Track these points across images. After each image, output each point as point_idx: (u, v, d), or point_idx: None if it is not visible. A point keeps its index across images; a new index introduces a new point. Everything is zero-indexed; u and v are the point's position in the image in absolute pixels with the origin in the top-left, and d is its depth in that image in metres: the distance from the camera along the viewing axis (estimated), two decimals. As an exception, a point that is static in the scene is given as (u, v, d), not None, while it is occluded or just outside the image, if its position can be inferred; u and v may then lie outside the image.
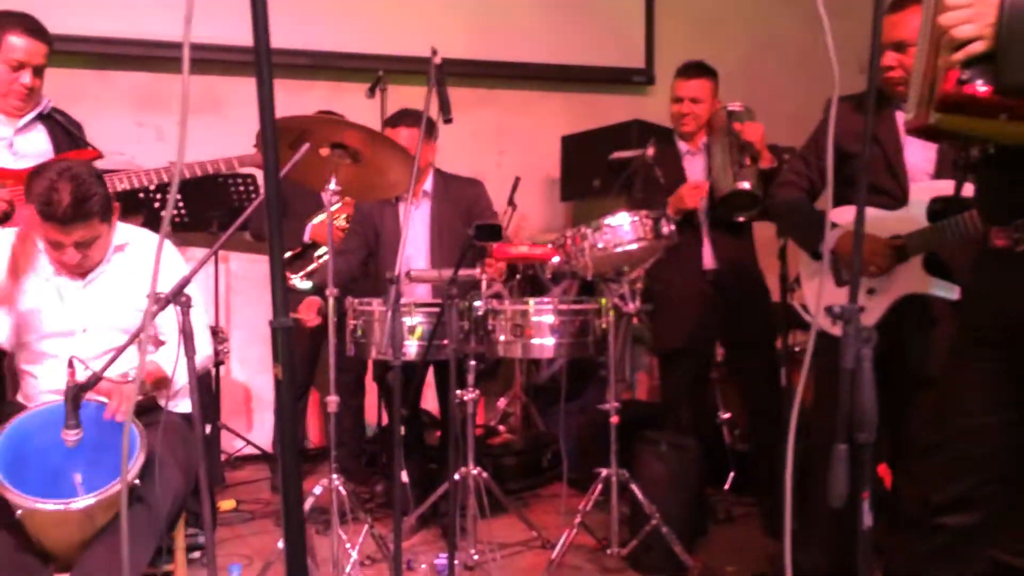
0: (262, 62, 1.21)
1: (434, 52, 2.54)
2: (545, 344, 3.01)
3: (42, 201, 2.26)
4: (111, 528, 2.21)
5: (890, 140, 2.48)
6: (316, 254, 3.85)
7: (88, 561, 2.18)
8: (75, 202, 2.26)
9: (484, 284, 2.88)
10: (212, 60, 4.31)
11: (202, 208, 4.19)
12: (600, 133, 4.60)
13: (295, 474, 1.16)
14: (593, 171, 4.54)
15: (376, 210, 3.54)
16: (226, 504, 3.68)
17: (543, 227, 5.07)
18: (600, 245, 2.86)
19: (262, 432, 4.53)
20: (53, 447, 2.17)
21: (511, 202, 4.41)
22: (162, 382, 2.35)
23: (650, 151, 3.31)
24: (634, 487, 2.95)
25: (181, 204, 4.20)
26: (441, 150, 3.62)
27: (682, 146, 3.48)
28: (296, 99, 4.40)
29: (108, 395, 2.23)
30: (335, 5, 4.67)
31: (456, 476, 2.88)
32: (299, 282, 3.90)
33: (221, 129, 4.13)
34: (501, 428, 4.42)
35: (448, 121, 2.61)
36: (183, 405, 2.50)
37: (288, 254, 3.95)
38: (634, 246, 2.87)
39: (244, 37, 1.23)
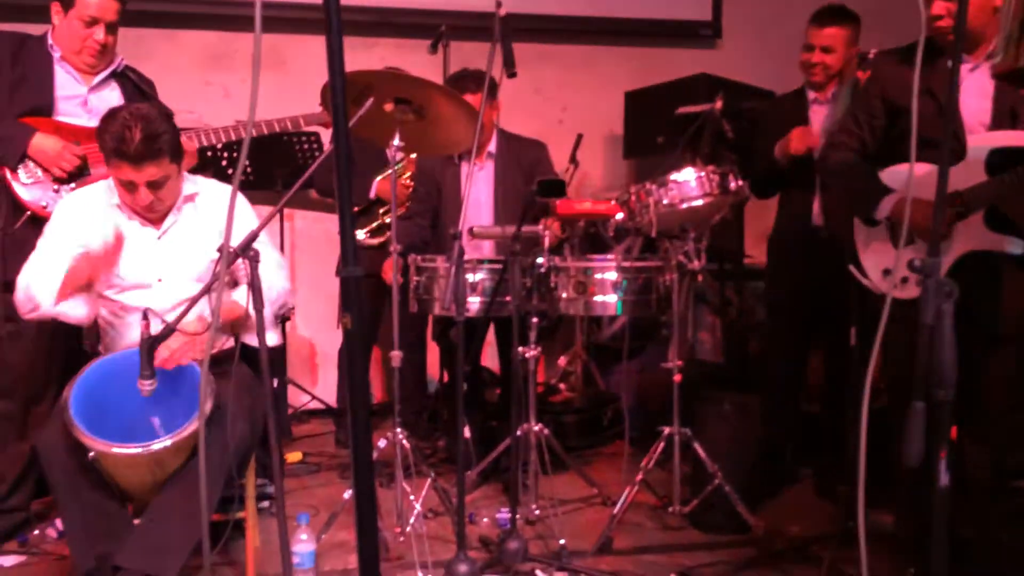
0: (332, 18, 1.20)
1: (499, 5, 2.50)
2: (607, 301, 2.98)
3: (115, 140, 2.34)
4: (182, 472, 2.28)
5: (944, 91, 2.37)
6: (381, 211, 3.87)
7: (161, 503, 2.27)
8: (145, 139, 2.33)
9: (546, 240, 2.86)
10: (277, 18, 4.33)
11: (267, 166, 4.24)
12: (665, 88, 4.50)
13: (365, 419, 1.17)
14: (657, 127, 4.45)
15: (438, 168, 3.55)
16: (293, 456, 3.77)
17: (605, 184, 5.01)
18: (665, 201, 2.82)
19: (326, 387, 4.61)
20: (129, 391, 2.25)
21: (573, 159, 4.36)
22: (239, 321, 2.40)
23: (718, 105, 3.23)
24: (696, 446, 2.93)
25: (247, 162, 4.26)
26: (503, 107, 3.59)
27: (810, 94, 3.36)
28: (360, 56, 4.40)
29: (175, 344, 2.30)
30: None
31: (518, 432, 2.89)
32: (365, 238, 3.94)
33: (285, 87, 4.16)
34: (562, 386, 4.43)
35: (512, 75, 2.58)
36: (255, 340, 2.55)
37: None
38: (700, 202, 2.81)
39: None
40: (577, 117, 4.92)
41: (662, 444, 2.95)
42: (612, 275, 2.96)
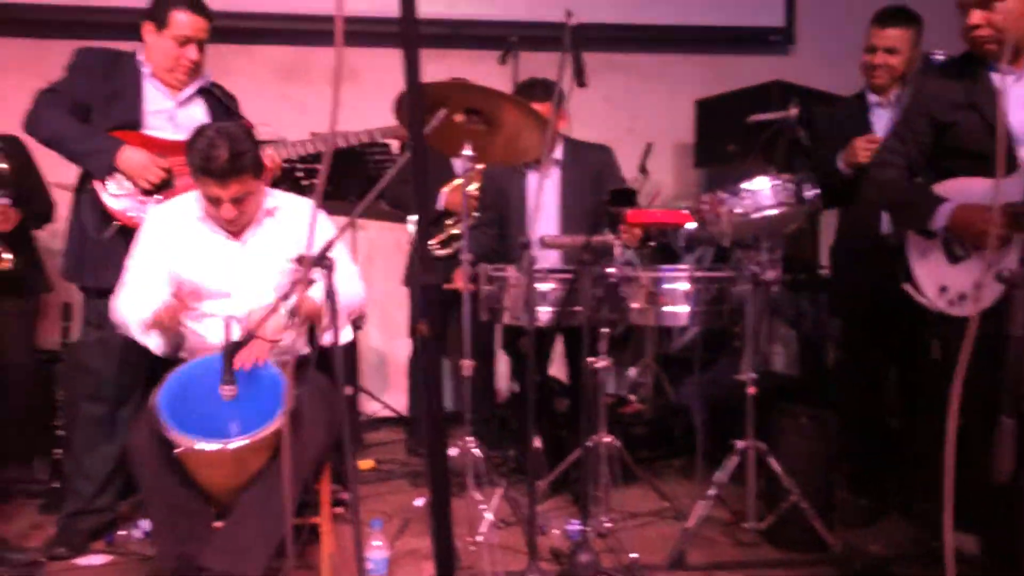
0: (409, 32, 1.22)
1: (569, 14, 2.51)
2: (679, 312, 2.96)
3: (202, 158, 2.45)
4: (263, 473, 2.34)
5: (989, 104, 2.29)
6: (448, 222, 3.91)
7: (243, 505, 2.33)
8: (230, 158, 2.44)
9: (618, 250, 2.85)
10: (350, 32, 4.39)
11: (340, 177, 4.32)
12: (737, 96, 4.45)
13: (439, 428, 1.18)
14: (729, 135, 4.40)
15: (504, 177, 3.57)
16: (365, 463, 3.82)
17: (675, 193, 4.97)
18: (738, 211, 2.77)
19: (397, 395, 4.67)
20: (210, 396, 2.32)
21: (643, 168, 4.33)
22: (316, 315, 2.47)
23: (793, 112, 3.18)
24: (772, 461, 2.87)
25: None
26: (572, 116, 3.59)
27: (871, 98, 3.28)
28: (430, 68, 4.43)
29: (252, 347, 2.38)
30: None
31: (588, 443, 2.88)
32: (435, 249, 3.98)
33: (359, 99, 4.22)
34: (632, 397, 4.39)
35: (582, 85, 2.58)
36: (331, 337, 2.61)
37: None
38: (774, 211, 2.76)
39: (379, 8, 1.25)
40: (647, 126, 4.89)
41: (736, 458, 2.91)
42: (684, 285, 2.93)
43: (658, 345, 4.45)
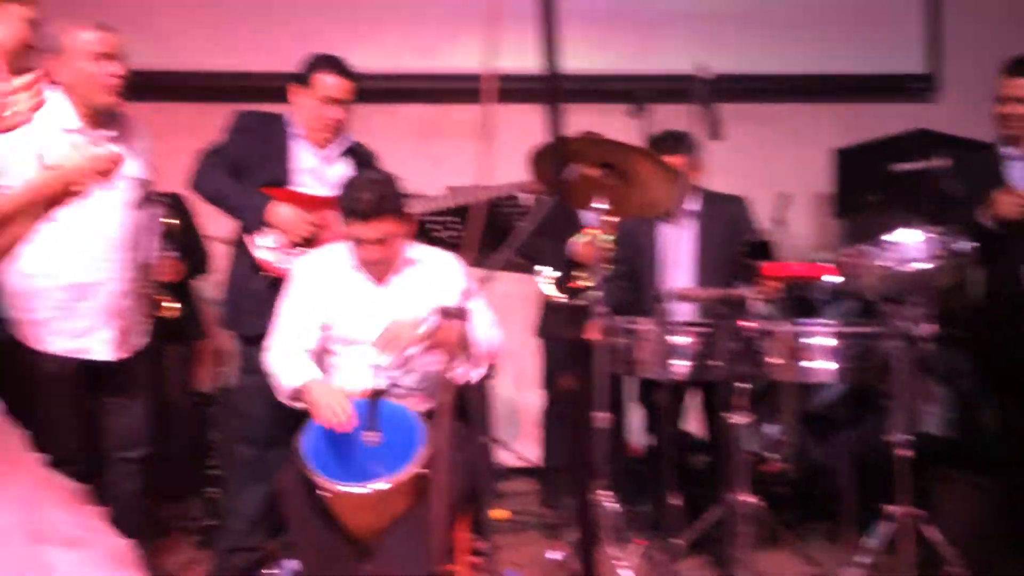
0: (553, 89, 1.26)
1: (704, 69, 2.51)
2: (822, 368, 2.86)
3: (349, 199, 2.62)
4: (405, 517, 2.40)
5: None
6: (578, 273, 3.93)
7: (385, 548, 2.40)
8: (376, 199, 2.60)
9: (755, 303, 2.79)
10: (484, 89, 4.55)
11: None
12: (877, 145, 4.31)
13: (588, 481, 1.18)
14: (870, 185, 4.26)
15: (638, 229, 3.56)
16: (499, 514, 3.83)
17: (812, 245, 4.83)
18: (884, 263, 2.67)
19: (530, 447, 4.67)
20: (353, 440, 2.41)
21: (778, 219, 4.23)
22: (457, 344, 2.53)
23: (940, 161, 3.06)
24: (929, 529, 2.70)
25: (457, 226, 4.46)
26: (704, 167, 3.56)
27: (1007, 150, 3.14)
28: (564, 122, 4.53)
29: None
30: (592, 31, 4.76)
31: (728, 502, 2.79)
32: (565, 300, 4.00)
33: (495, 155, 4.34)
34: (771, 455, 4.23)
35: (717, 138, 2.57)
36: (472, 374, 2.69)
37: (552, 273, 4.07)
38: (924, 265, 2.65)
39: (513, 66, 1.29)
40: (781, 176, 4.77)
41: (887, 524, 2.75)
42: (827, 340, 2.84)
43: (798, 402, 4.28)
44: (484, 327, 2.67)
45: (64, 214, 2.26)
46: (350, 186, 2.68)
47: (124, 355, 2.79)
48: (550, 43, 1.22)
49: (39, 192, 1.85)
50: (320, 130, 3.14)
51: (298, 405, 2.68)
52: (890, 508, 2.74)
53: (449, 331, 2.54)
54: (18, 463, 1.85)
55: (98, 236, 2.72)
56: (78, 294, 2.69)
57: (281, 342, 2.74)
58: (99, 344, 2.74)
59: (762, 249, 2.66)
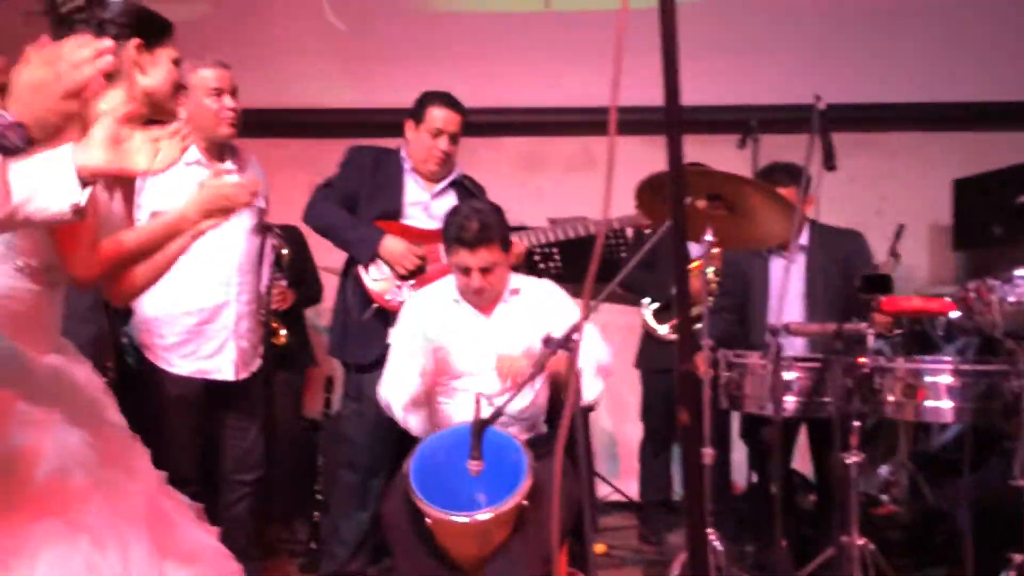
0: (672, 122, 1.26)
1: (818, 98, 2.46)
2: (941, 407, 2.72)
3: (455, 228, 2.68)
4: (508, 545, 2.40)
5: None
6: (684, 305, 3.88)
7: (487, 574, 2.40)
8: (481, 228, 2.66)
9: (871, 339, 2.69)
10: (588, 122, 4.59)
11: (576, 260, 4.42)
12: (1001, 175, 4.12)
13: (702, 520, 1.16)
14: (990, 217, 4.07)
15: (745, 262, 3.50)
16: (597, 548, 3.78)
17: (930, 278, 4.63)
18: (1012, 299, 2.53)
19: (628, 481, 4.61)
20: (457, 468, 2.43)
21: (893, 252, 4.09)
22: (562, 376, 2.55)
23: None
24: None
25: (557, 257, 4.48)
26: (816, 199, 3.47)
27: None
28: (663, 154, 4.50)
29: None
30: (697, 61, 4.71)
31: (840, 544, 2.69)
32: (667, 333, 3.96)
33: (596, 186, 4.34)
34: (883, 497, 4.06)
35: (832, 168, 2.51)
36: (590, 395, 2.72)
37: (655, 305, 4.04)
38: (1055, 300, 2.50)
39: (623, 98, 1.29)
40: (897, 207, 4.62)
41: (1014, 573, 2.59)
42: (947, 379, 2.70)
43: (913, 442, 4.10)
44: (593, 342, 2.71)
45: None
46: (456, 214, 2.75)
47: (243, 375, 2.91)
48: (670, 74, 1.21)
49: (180, 223, 1.94)
50: (430, 162, 3.21)
51: (413, 424, 2.73)
52: (1017, 557, 2.58)
53: (560, 362, 2.55)
54: (144, 480, 1.94)
55: (221, 261, 2.86)
56: (204, 318, 2.83)
57: (393, 375, 2.81)
58: (223, 365, 2.86)
59: (881, 283, 2.56)
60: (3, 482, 1.69)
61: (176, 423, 2.79)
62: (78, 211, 1.45)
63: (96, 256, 1.87)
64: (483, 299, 2.80)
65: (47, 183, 1.44)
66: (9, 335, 1.77)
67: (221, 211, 1.94)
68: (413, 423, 2.76)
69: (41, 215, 1.37)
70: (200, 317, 2.83)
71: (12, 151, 1.28)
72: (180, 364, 2.82)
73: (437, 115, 3.18)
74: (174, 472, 2.04)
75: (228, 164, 2.47)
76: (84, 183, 1.47)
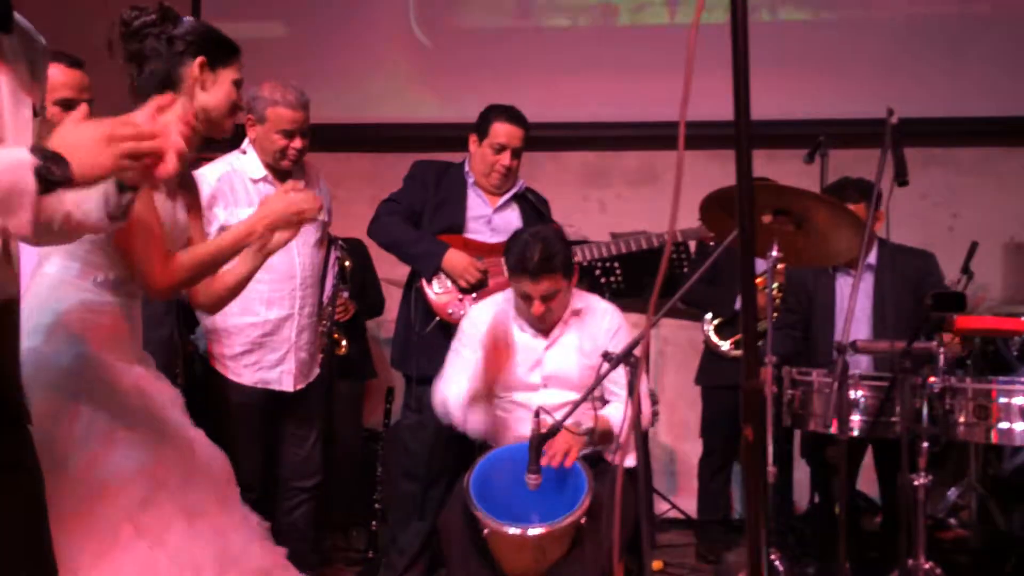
0: (741, 138, 1.25)
1: (891, 112, 2.42)
2: (1016, 429, 2.64)
3: (517, 257, 2.66)
4: (563, 562, 2.40)
5: None
6: (746, 322, 3.83)
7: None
8: (543, 258, 2.62)
9: (941, 358, 2.63)
10: (652, 137, 4.59)
11: (637, 274, 4.40)
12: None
13: (761, 535, 1.15)
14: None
15: (810, 279, 3.44)
16: (654, 564, 3.75)
17: (1005, 297, 4.49)
18: (1092, 319, 2.46)
19: (686, 497, 4.56)
20: (515, 484, 2.44)
21: (966, 270, 3.99)
22: (608, 435, 2.53)
23: None
24: None
25: (618, 271, 4.46)
26: (885, 215, 3.40)
27: None
28: (729, 170, 4.46)
29: (562, 443, 2.46)
30: (768, 75, 4.67)
31: (907, 567, 2.62)
32: (729, 349, 3.91)
33: (659, 200, 4.34)
34: (951, 521, 3.93)
35: (903, 184, 2.46)
36: (627, 460, 2.64)
37: (717, 321, 3.99)
38: None
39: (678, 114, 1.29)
40: (970, 224, 4.50)
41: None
42: (1020, 400, 2.62)
43: (984, 465, 3.97)
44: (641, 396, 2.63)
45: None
46: (518, 242, 2.72)
47: (301, 386, 2.97)
48: (741, 89, 1.21)
49: (248, 236, 1.99)
50: (493, 177, 3.24)
51: (473, 424, 2.74)
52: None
53: (605, 420, 2.55)
54: (225, 493, 1.98)
55: (287, 275, 2.91)
56: (267, 330, 2.89)
57: (450, 376, 2.82)
58: (284, 376, 2.92)
59: (954, 301, 2.49)
60: (90, 504, 1.74)
61: (239, 430, 2.84)
62: (114, 217, 1.48)
63: (170, 267, 1.92)
64: (543, 324, 2.79)
65: (89, 191, 1.45)
66: (95, 348, 1.83)
67: (289, 224, 1.98)
68: (471, 422, 2.75)
69: (15, 230, 1.31)
70: (264, 329, 2.89)
71: (55, 182, 1.29)
72: (244, 373, 2.89)
73: (500, 130, 3.20)
74: (239, 481, 2.08)
75: (296, 180, 2.54)
76: (121, 189, 1.49)
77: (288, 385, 2.92)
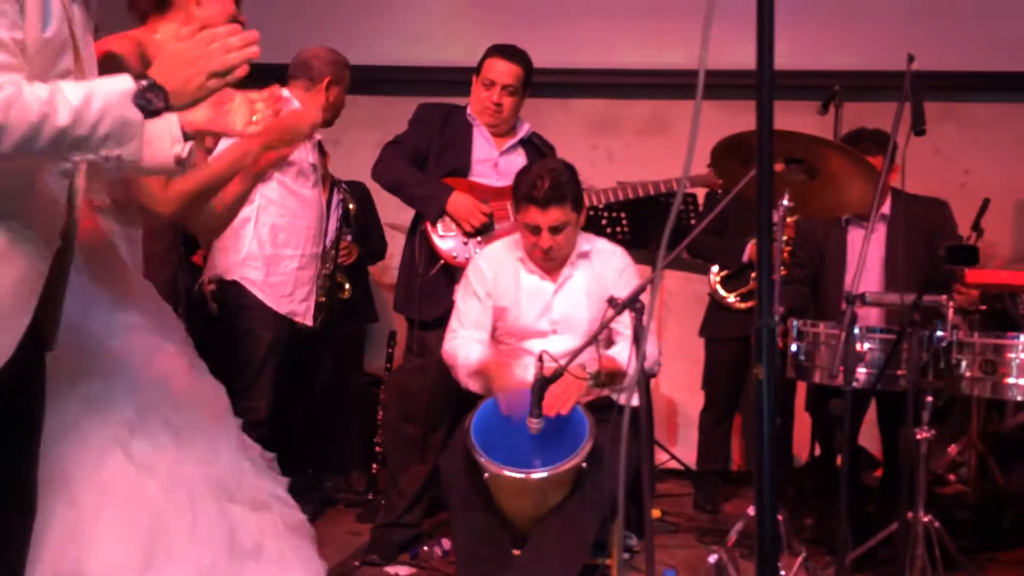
0: (763, 86, 1.21)
1: (911, 59, 2.36)
2: (1021, 385, 2.62)
3: (527, 186, 2.64)
4: (563, 506, 2.40)
5: None
6: (753, 275, 3.80)
7: (541, 536, 2.41)
8: (552, 186, 2.61)
9: (951, 312, 2.60)
10: (662, 85, 4.50)
11: (642, 225, 4.36)
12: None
13: (773, 482, 1.14)
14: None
15: (821, 231, 3.40)
16: (653, 513, 3.77)
17: (1015, 255, 4.45)
18: (1105, 276, 2.43)
19: (686, 448, 4.58)
20: (517, 428, 2.43)
21: (976, 226, 3.95)
22: (616, 375, 2.51)
23: None
24: None
25: (624, 222, 4.42)
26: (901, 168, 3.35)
27: None
28: (743, 118, 4.39)
29: (563, 389, 2.44)
30: (782, 25, 4.57)
31: (902, 521, 2.62)
32: (735, 302, 3.89)
33: (669, 150, 4.28)
34: (951, 477, 3.96)
35: (920, 133, 2.41)
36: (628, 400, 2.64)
37: (723, 273, 3.97)
38: None
39: (690, 62, 1.25)
40: (982, 180, 4.45)
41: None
42: (1029, 356, 2.60)
43: (984, 421, 3.98)
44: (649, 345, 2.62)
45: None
46: (528, 172, 2.70)
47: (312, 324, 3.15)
48: (764, 38, 1.17)
49: (243, 155, 1.95)
50: (484, 114, 3.19)
51: (475, 387, 2.73)
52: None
53: (611, 360, 2.53)
54: (221, 424, 1.98)
55: (320, 215, 3.15)
56: (303, 264, 3.10)
57: (458, 331, 2.81)
58: (308, 311, 3.14)
59: (966, 254, 2.46)
60: (83, 418, 1.74)
61: (265, 364, 2.99)
62: (180, 162, 1.49)
63: (167, 193, 1.91)
64: (550, 261, 2.75)
65: (155, 135, 1.50)
66: (100, 274, 1.81)
67: (281, 141, 1.95)
68: (474, 386, 2.76)
69: (148, 164, 1.42)
70: (299, 263, 3.09)
71: (152, 113, 1.37)
72: (282, 303, 3.06)
73: (491, 65, 3.17)
74: (252, 414, 2.08)
75: (286, 93, 2.47)
76: (187, 137, 1.51)
77: (310, 320, 3.12)
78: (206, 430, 1.90)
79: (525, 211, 2.69)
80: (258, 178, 2.03)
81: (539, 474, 2.44)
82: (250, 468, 1.98)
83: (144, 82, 1.37)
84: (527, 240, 2.75)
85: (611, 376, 2.59)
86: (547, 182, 2.62)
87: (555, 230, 2.66)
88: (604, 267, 2.77)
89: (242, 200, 2.05)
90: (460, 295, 2.89)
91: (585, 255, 2.79)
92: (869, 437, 3.64)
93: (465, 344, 2.77)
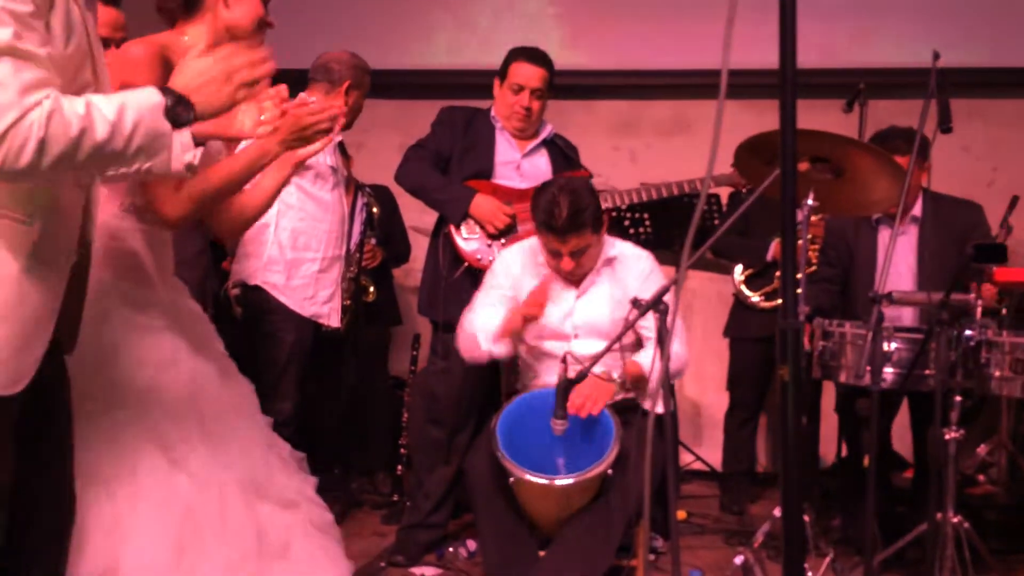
0: (786, 87, 1.21)
1: (936, 56, 2.34)
2: (1053, 386, 2.59)
3: (544, 213, 2.60)
4: (589, 509, 2.40)
5: None
6: (778, 273, 3.78)
7: (566, 539, 2.41)
8: (571, 215, 2.56)
9: (979, 311, 2.57)
10: (683, 85, 4.49)
11: (666, 226, 4.35)
12: None
13: (798, 484, 1.13)
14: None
15: (851, 230, 3.37)
16: (679, 514, 3.76)
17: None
18: None
19: (711, 449, 4.55)
20: (542, 430, 2.44)
21: (1005, 223, 3.90)
22: (641, 380, 2.51)
23: None
24: None
25: (647, 223, 4.41)
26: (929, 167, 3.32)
27: None
28: (763, 118, 4.36)
29: (589, 391, 2.44)
30: (806, 23, 4.54)
31: (936, 520, 2.60)
32: (759, 301, 3.87)
33: (691, 151, 4.27)
34: (980, 477, 3.90)
35: (947, 130, 2.39)
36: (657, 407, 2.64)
37: (747, 272, 3.95)
38: None
39: (712, 62, 1.26)
40: (1011, 178, 4.39)
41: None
42: (1060, 355, 2.56)
43: (1015, 421, 3.92)
44: (676, 339, 2.62)
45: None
46: (545, 197, 2.65)
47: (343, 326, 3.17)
48: (786, 34, 1.17)
49: (262, 155, 1.94)
50: (513, 120, 3.19)
51: (501, 351, 2.73)
52: None
53: (636, 365, 2.52)
54: (251, 422, 2.00)
55: (340, 217, 3.13)
56: (324, 266, 3.09)
57: (475, 315, 2.82)
58: (332, 313, 3.11)
59: (995, 252, 2.43)
60: (114, 414, 1.76)
61: (290, 366, 3.00)
62: (190, 168, 1.51)
63: (181, 195, 1.89)
64: (573, 277, 2.76)
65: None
66: (124, 275, 1.84)
67: (300, 140, 1.94)
68: (498, 351, 2.75)
69: (158, 170, 1.43)
70: (320, 266, 3.07)
71: (182, 124, 1.41)
72: (305, 306, 3.05)
73: (518, 70, 3.16)
74: (278, 415, 2.10)
75: (305, 95, 2.49)
76: (196, 143, 1.51)
77: (335, 321, 3.11)
78: (236, 428, 1.92)
79: (544, 236, 2.68)
80: (290, 175, 2.02)
81: (564, 480, 2.45)
82: (279, 466, 2.00)
83: (172, 96, 1.40)
84: (549, 261, 2.74)
85: (636, 381, 2.59)
86: (565, 211, 2.58)
87: (576, 254, 2.66)
88: (628, 272, 2.77)
89: (271, 200, 2.05)
90: (483, 285, 2.89)
91: (610, 262, 2.79)
92: (901, 440, 3.60)
93: (483, 313, 2.77)
